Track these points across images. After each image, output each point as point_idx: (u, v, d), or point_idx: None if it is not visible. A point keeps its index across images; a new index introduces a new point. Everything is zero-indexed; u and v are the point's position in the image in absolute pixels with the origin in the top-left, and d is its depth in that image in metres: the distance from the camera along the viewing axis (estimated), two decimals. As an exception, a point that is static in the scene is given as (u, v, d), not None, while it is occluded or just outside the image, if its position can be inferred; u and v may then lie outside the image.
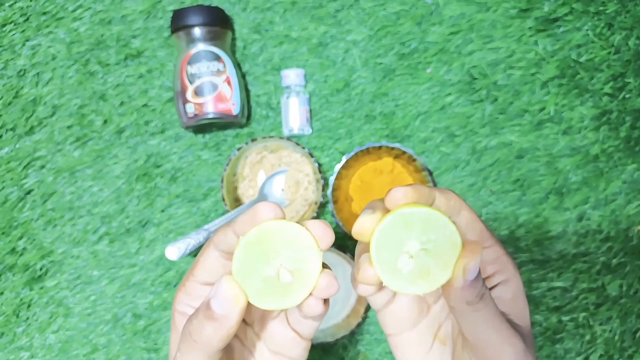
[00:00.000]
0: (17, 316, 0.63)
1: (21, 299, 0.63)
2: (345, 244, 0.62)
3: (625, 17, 0.60)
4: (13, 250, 0.63)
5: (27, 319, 0.63)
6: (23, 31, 0.64)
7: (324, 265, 0.25)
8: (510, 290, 0.27)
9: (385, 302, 0.29)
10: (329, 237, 0.25)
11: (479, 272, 0.24)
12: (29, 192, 0.64)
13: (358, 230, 0.25)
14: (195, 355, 0.24)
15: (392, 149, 0.58)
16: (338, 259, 0.61)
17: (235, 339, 0.30)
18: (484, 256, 0.27)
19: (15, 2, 0.64)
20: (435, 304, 0.30)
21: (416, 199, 0.24)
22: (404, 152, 0.57)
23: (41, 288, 0.63)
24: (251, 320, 0.30)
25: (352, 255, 0.59)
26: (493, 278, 0.28)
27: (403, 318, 0.29)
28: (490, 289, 0.28)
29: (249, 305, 0.24)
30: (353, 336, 0.62)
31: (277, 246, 0.24)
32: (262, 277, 0.24)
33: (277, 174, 0.61)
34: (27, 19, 0.64)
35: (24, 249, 0.63)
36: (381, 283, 0.25)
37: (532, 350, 0.27)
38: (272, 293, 0.24)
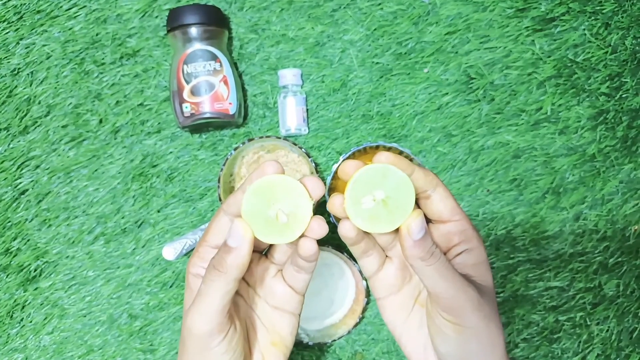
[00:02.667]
0: (11, 317, 0.63)
1: (15, 300, 0.63)
2: (342, 244, 0.61)
3: (622, 17, 0.60)
4: (7, 251, 0.63)
5: (22, 320, 0.63)
6: (17, 30, 0.63)
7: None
8: (473, 257, 0.32)
9: (375, 269, 0.35)
10: (320, 189, 0.30)
11: (426, 234, 0.30)
12: (23, 192, 0.63)
13: (345, 169, 0.31)
14: (218, 283, 0.30)
15: (389, 148, 0.57)
16: (335, 259, 0.60)
17: (239, 298, 0.35)
18: (453, 228, 0.32)
19: (8, 0, 0.63)
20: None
21: (396, 164, 0.30)
22: (401, 152, 0.57)
23: (36, 289, 0.63)
24: (253, 281, 0.36)
25: (349, 256, 0.59)
26: (458, 247, 0.32)
27: (389, 283, 0.35)
28: (457, 255, 0.32)
29: (250, 266, 0.33)
30: (350, 336, 0.62)
31: (276, 194, 0.30)
32: (264, 217, 0.30)
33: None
34: (21, 17, 0.63)
35: (18, 249, 0.63)
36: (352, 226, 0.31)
37: (492, 305, 0.32)
38: (272, 231, 0.30)
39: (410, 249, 0.29)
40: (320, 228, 0.30)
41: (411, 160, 0.57)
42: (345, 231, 0.32)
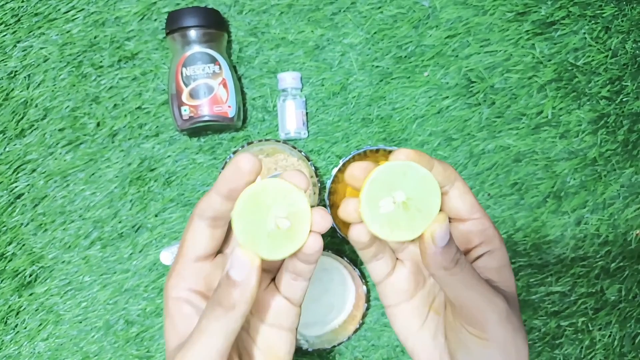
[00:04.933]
0: (5, 324, 0.62)
1: (10, 306, 0.62)
2: (342, 248, 0.61)
3: (622, 21, 0.60)
4: (2, 256, 0.62)
5: (16, 326, 0.62)
6: (14, 32, 0.63)
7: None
8: (495, 260, 0.29)
9: (386, 274, 0.31)
10: (304, 182, 0.27)
11: (451, 240, 0.26)
12: (19, 196, 0.62)
13: (353, 172, 0.28)
14: (224, 321, 0.26)
15: (390, 152, 0.57)
16: (335, 264, 0.60)
17: None
18: (472, 227, 0.29)
19: (6, 3, 0.63)
20: (430, 277, 0.32)
21: (417, 160, 0.27)
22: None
23: (31, 294, 0.62)
24: None
25: (349, 260, 0.58)
26: (479, 248, 0.29)
27: (401, 289, 0.31)
28: (477, 258, 0.29)
29: None
30: (350, 342, 0.61)
31: (265, 203, 0.26)
32: (266, 234, 0.26)
33: (272, 177, 0.60)
34: (19, 20, 0.63)
35: (13, 254, 0.62)
36: (365, 231, 0.28)
37: (518, 314, 0.29)
38: (280, 242, 0.26)
39: (432, 257, 0.26)
40: (325, 220, 0.27)
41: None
42: (357, 236, 0.28)
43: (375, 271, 0.31)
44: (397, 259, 0.32)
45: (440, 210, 0.27)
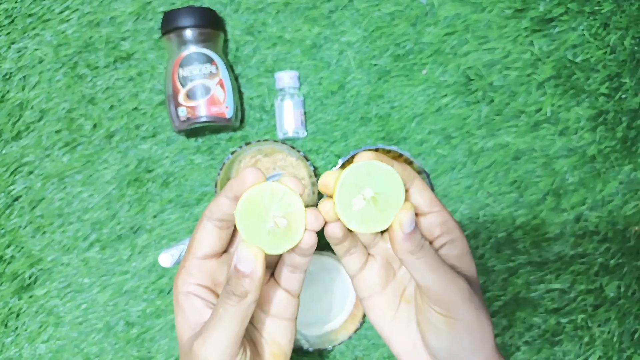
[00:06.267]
0: (6, 326, 0.62)
1: (10, 309, 0.62)
2: (341, 248, 0.61)
3: (621, 17, 0.60)
4: (1, 259, 0.62)
5: (16, 328, 0.62)
6: (8, 33, 0.62)
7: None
8: (456, 248, 0.32)
9: (359, 268, 0.35)
10: (299, 187, 0.30)
11: (416, 227, 0.29)
12: (16, 199, 0.62)
13: (323, 181, 0.31)
14: (238, 308, 0.29)
15: (389, 151, 0.57)
16: (335, 264, 0.60)
17: None
18: (433, 220, 0.32)
19: (0, 4, 0.62)
20: (400, 269, 0.36)
21: (377, 159, 0.30)
22: (401, 155, 0.57)
23: (30, 297, 0.62)
24: None
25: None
26: (441, 238, 0.32)
27: (373, 282, 0.35)
28: (440, 247, 0.32)
29: None
30: (350, 342, 0.61)
31: (264, 204, 0.29)
32: (266, 232, 0.29)
33: (271, 177, 0.60)
34: (13, 21, 0.62)
35: (12, 257, 0.62)
36: (341, 226, 0.31)
37: (480, 295, 0.32)
38: (279, 240, 0.30)
39: (400, 242, 0.29)
40: (318, 219, 0.30)
41: (411, 163, 0.57)
42: (332, 232, 0.32)
43: (349, 265, 0.35)
44: (369, 254, 0.35)
45: (405, 201, 0.30)
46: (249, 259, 0.29)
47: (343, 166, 0.57)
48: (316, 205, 0.56)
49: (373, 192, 0.30)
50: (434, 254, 0.30)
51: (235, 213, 0.29)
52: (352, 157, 0.56)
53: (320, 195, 0.59)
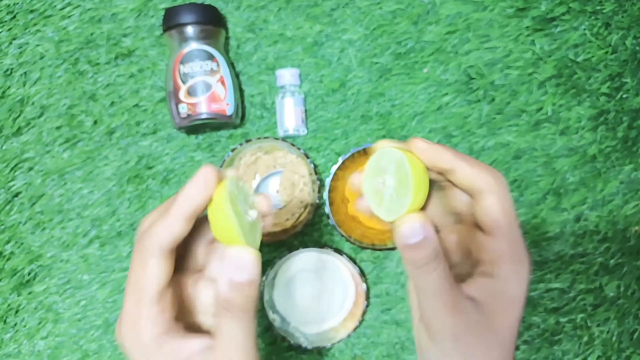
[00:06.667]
0: (5, 322, 0.61)
1: (9, 305, 0.61)
2: (341, 247, 0.61)
3: (623, 17, 0.60)
4: (0, 255, 0.62)
5: (15, 325, 0.62)
6: (10, 29, 0.62)
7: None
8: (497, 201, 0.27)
9: None
10: (233, 171, 0.29)
11: (426, 241, 0.25)
12: (16, 195, 0.62)
13: (352, 181, 0.30)
14: (247, 322, 0.27)
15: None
16: (334, 262, 0.60)
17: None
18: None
19: (1, 0, 0.62)
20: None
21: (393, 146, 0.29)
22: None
23: (29, 293, 0.62)
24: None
25: (348, 258, 0.58)
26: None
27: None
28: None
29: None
30: (349, 340, 0.61)
31: (238, 199, 0.28)
32: (248, 225, 0.28)
33: (272, 175, 0.60)
34: (14, 16, 0.62)
35: (12, 253, 0.62)
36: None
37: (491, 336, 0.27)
38: (257, 229, 0.29)
39: (401, 247, 0.26)
40: (264, 201, 0.30)
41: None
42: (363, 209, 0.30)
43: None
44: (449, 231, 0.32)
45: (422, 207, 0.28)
46: (248, 263, 0.26)
47: (344, 163, 0.57)
48: (316, 204, 0.56)
49: (392, 180, 0.28)
50: (443, 279, 0.26)
51: (229, 217, 0.26)
52: (353, 154, 0.56)
53: (320, 194, 0.58)
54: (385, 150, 0.28)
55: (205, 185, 0.27)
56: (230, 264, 0.26)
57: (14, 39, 0.62)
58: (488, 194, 0.26)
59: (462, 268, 0.30)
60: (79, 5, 0.62)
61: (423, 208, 0.30)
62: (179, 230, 0.27)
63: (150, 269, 0.27)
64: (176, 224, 0.26)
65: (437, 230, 0.29)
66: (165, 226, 0.26)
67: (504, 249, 0.26)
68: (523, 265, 0.27)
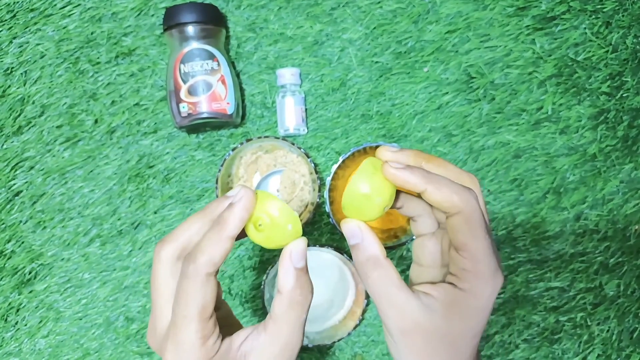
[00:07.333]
0: (6, 321, 0.62)
1: (10, 303, 0.62)
2: (342, 245, 0.61)
3: (623, 16, 0.60)
4: (1, 253, 0.62)
5: (16, 323, 0.62)
6: (10, 28, 0.62)
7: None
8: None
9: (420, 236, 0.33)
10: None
11: (367, 243, 0.29)
12: (17, 194, 0.62)
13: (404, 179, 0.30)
14: (303, 308, 0.29)
15: (390, 148, 0.57)
16: (335, 261, 0.60)
17: None
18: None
19: (2, -1, 0.62)
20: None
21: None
22: (402, 152, 0.56)
23: (30, 292, 0.62)
24: None
25: (349, 257, 0.58)
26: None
27: (426, 258, 0.33)
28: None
29: None
30: (350, 338, 0.61)
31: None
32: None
33: (272, 174, 0.60)
34: (15, 15, 0.62)
35: (13, 251, 0.62)
36: None
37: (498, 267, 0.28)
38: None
39: (353, 249, 0.30)
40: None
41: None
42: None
43: (412, 227, 0.34)
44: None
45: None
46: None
47: (344, 162, 0.57)
48: (316, 203, 0.56)
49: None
50: (388, 277, 0.28)
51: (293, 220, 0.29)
52: (353, 154, 0.56)
53: (321, 193, 0.58)
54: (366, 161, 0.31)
55: (250, 208, 0.28)
56: (286, 276, 0.28)
57: (15, 37, 0.62)
58: (455, 216, 0.27)
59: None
60: (79, 4, 0.62)
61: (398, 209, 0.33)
62: (229, 248, 0.28)
63: (210, 287, 0.28)
64: (229, 244, 0.28)
65: (424, 233, 0.32)
66: (219, 248, 0.28)
67: (469, 267, 0.28)
68: (487, 283, 0.28)
